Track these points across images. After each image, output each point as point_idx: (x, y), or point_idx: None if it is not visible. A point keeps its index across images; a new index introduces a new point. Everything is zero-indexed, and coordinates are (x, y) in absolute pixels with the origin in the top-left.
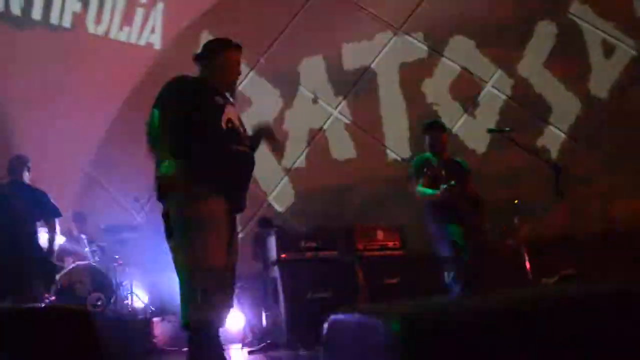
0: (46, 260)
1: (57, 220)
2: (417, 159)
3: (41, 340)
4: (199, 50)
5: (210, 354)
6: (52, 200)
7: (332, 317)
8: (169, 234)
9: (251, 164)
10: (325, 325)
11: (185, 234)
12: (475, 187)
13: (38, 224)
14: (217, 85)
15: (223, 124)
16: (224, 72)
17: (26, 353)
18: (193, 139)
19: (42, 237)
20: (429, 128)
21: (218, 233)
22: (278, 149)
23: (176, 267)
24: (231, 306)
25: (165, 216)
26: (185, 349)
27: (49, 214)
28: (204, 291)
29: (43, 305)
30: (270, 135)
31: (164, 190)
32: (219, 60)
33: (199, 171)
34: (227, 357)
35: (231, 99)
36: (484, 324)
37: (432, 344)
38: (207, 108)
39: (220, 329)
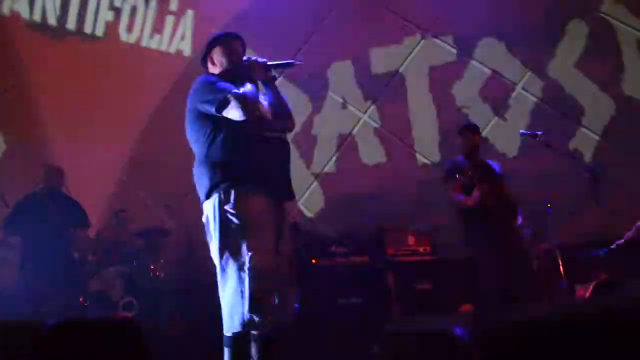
0: (79, 267)
1: (87, 229)
2: (449, 163)
3: (93, 353)
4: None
5: None
6: (83, 210)
7: (388, 326)
8: (210, 239)
9: (285, 148)
10: (384, 335)
11: (230, 238)
12: (510, 190)
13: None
14: (239, 75)
15: (252, 111)
16: (231, 66)
17: None
18: (222, 134)
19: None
20: (462, 130)
21: (262, 233)
22: (291, 65)
23: (222, 273)
24: (289, 302)
25: (207, 219)
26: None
27: (81, 223)
28: (257, 297)
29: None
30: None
31: (206, 192)
32: (221, 55)
33: (236, 168)
34: None
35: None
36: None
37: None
38: (236, 96)
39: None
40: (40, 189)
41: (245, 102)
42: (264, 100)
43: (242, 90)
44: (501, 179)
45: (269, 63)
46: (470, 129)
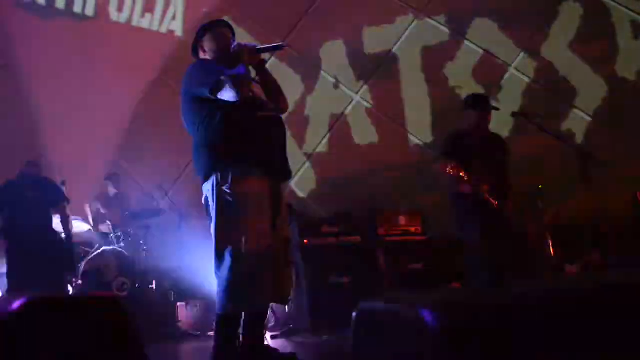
0: (62, 243)
1: (66, 205)
2: (451, 134)
3: (76, 330)
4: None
5: (231, 344)
6: (60, 187)
7: (362, 304)
8: (210, 219)
9: (280, 127)
10: (355, 313)
11: (227, 218)
12: (508, 169)
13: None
14: (230, 59)
15: (245, 93)
16: (220, 52)
17: (61, 342)
18: (218, 116)
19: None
20: (478, 102)
21: (259, 214)
22: (280, 48)
23: (216, 253)
24: (288, 278)
25: (206, 200)
26: (210, 333)
27: (58, 200)
28: (252, 276)
29: (72, 291)
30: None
31: (204, 174)
32: (211, 42)
33: (232, 150)
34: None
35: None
36: (518, 313)
37: (466, 334)
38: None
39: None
40: (17, 175)
41: (239, 84)
42: (256, 82)
43: (234, 72)
44: (507, 154)
45: (258, 47)
46: (486, 103)
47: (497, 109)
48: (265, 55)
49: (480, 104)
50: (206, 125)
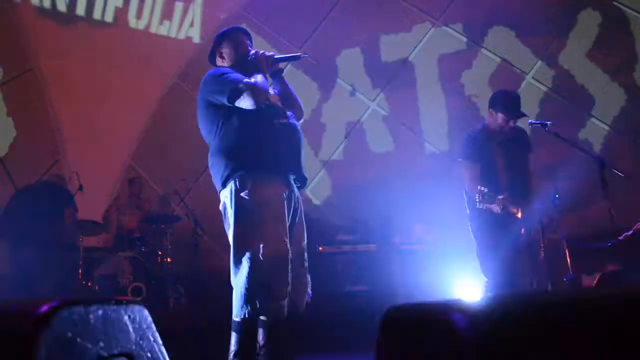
0: (67, 250)
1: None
2: (470, 134)
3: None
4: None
5: (251, 352)
6: (67, 193)
7: (388, 310)
8: (228, 226)
9: (297, 133)
10: (381, 319)
11: (245, 225)
12: (531, 172)
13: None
14: (248, 66)
15: (262, 100)
16: (238, 59)
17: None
18: (235, 123)
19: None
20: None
21: (277, 221)
22: (297, 58)
23: (234, 259)
24: (304, 286)
25: (224, 207)
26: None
27: (64, 206)
28: (267, 283)
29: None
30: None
31: (222, 182)
32: (229, 49)
33: (249, 157)
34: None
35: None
36: (553, 320)
37: (501, 342)
38: (247, 85)
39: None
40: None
41: (257, 91)
42: (273, 89)
43: (252, 79)
44: (528, 152)
45: (275, 57)
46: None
47: (526, 115)
48: (282, 64)
49: (512, 110)
50: (223, 132)
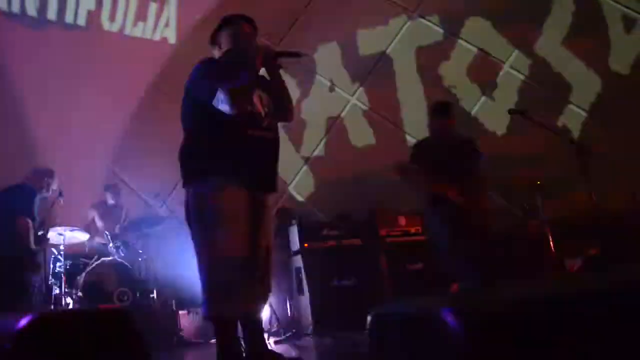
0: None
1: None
2: (415, 144)
3: (84, 345)
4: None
5: (232, 347)
6: (20, 197)
7: (378, 307)
8: (189, 224)
9: (271, 147)
10: (371, 315)
11: (203, 226)
12: (481, 175)
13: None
14: (235, 64)
15: (240, 107)
16: (236, 47)
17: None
18: (209, 125)
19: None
20: (441, 110)
21: (238, 223)
22: (298, 56)
23: (197, 259)
24: (264, 293)
25: (186, 205)
26: (212, 340)
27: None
28: (226, 283)
29: (73, 304)
30: (276, 56)
31: (184, 178)
32: (228, 35)
33: (214, 160)
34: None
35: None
36: (542, 313)
37: (490, 336)
38: (226, 91)
39: (253, 320)
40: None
41: (235, 99)
42: (261, 95)
43: (236, 84)
44: (475, 161)
45: (276, 51)
46: (444, 111)
47: (448, 115)
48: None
49: (438, 112)
50: (197, 129)
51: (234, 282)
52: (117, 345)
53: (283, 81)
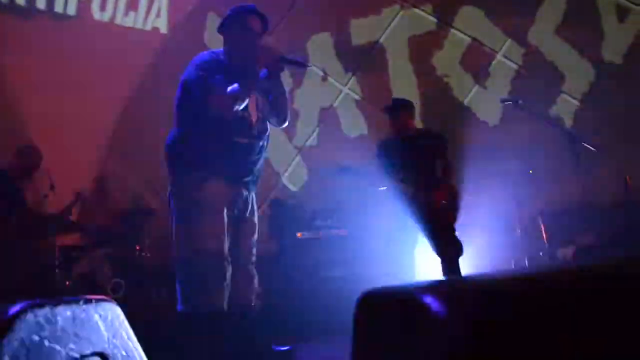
0: None
1: None
2: (377, 143)
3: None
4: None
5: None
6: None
7: (364, 293)
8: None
9: (254, 154)
10: (356, 302)
11: (179, 218)
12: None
13: None
14: (237, 59)
15: (231, 113)
16: (240, 44)
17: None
18: (199, 125)
19: None
20: (396, 108)
21: (217, 215)
22: (304, 66)
23: (174, 249)
24: (247, 286)
25: (169, 196)
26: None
27: None
28: (198, 277)
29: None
30: (282, 63)
31: (169, 169)
32: (235, 30)
33: (199, 156)
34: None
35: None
36: (523, 308)
37: (477, 323)
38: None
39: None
40: None
41: (219, 109)
42: (257, 98)
43: (233, 90)
44: (441, 149)
45: (282, 57)
46: (397, 108)
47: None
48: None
49: (389, 111)
50: (185, 124)
51: (209, 276)
52: (109, 336)
53: (282, 86)
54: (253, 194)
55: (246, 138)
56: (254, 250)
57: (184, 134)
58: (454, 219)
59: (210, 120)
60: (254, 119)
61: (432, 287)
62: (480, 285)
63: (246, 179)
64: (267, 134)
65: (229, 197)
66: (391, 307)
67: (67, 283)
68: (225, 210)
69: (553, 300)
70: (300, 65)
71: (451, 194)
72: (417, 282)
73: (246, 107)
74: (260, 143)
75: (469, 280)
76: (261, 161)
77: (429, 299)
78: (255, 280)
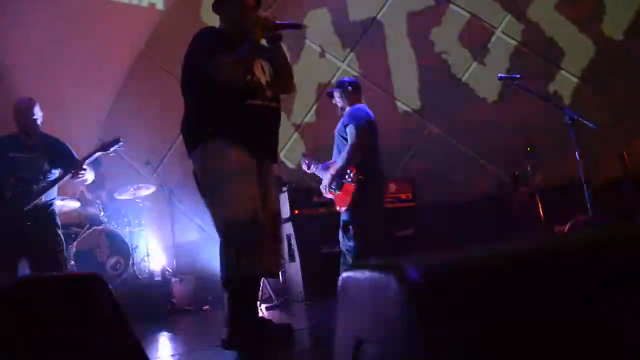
0: None
1: None
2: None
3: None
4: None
5: (247, 311)
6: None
7: (344, 274)
8: (201, 192)
9: (272, 117)
10: (339, 283)
11: (211, 190)
12: None
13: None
14: (236, 35)
15: (239, 78)
16: (237, 19)
17: (47, 323)
18: (210, 95)
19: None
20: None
21: (244, 182)
22: (298, 27)
23: (214, 224)
24: (277, 252)
25: (195, 174)
26: (205, 307)
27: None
28: (242, 243)
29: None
30: (279, 27)
31: (188, 147)
32: (230, 6)
33: (216, 126)
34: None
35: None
36: (498, 275)
37: (443, 301)
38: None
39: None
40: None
41: (234, 70)
42: (263, 65)
43: (236, 55)
44: None
45: (275, 22)
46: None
47: None
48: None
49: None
50: (198, 98)
51: (250, 242)
52: (95, 312)
53: (284, 53)
54: (271, 169)
55: (260, 100)
56: (280, 220)
57: (197, 107)
58: None
59: (220, 87)
60: (265, 83)
61: (406, 260)
62: (457, 260)
63: (265, 150)
64: (279, 98)
65: (255, 167)
66: (365, 285)
67: (67, 260)
68: (253, 176)
69: (527, 275)
70: (295, 27)
71: None
72: (388, 261)
73: (253, 72)
74: (274, 105)
75: (445, 255)
76: (278, 131)
77: (403, 270)
78: (281, 256)
